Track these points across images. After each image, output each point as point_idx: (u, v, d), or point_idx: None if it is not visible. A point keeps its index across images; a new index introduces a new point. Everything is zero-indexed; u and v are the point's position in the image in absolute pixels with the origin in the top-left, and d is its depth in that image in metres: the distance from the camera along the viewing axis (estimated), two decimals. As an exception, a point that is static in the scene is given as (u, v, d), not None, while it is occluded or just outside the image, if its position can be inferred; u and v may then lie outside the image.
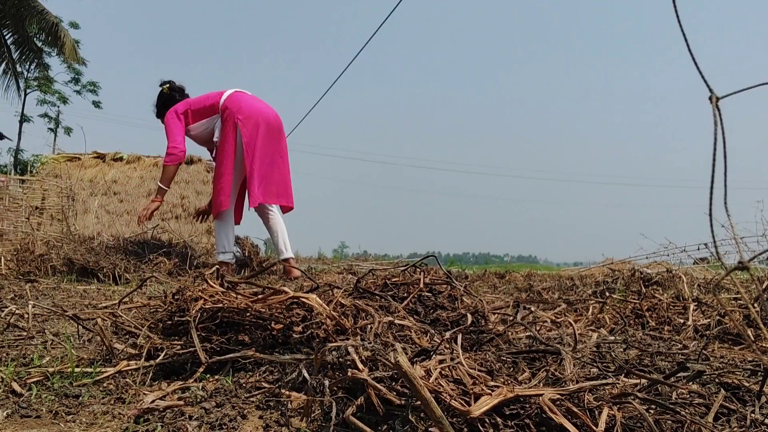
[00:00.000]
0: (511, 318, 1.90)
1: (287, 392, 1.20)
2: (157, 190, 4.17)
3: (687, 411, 1.08)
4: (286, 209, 4.38)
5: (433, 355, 1.22)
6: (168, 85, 4.38)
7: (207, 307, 1.50)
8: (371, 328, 1.42)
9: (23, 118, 23.67)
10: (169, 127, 4.10)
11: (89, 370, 1.41)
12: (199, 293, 1.56)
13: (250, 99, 4.14)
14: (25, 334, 1.79)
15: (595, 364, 1.49)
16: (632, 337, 2.08)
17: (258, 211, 4.42)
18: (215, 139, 4.10)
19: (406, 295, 1.85)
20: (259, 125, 4.01)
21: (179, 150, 4.09)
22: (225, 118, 4.03)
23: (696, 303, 2.57)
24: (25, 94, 23.42)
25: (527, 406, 1.00)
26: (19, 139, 23.56)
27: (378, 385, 1.03)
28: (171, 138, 4.07)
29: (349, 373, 1.08)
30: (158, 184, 4.17)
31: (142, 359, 1.44)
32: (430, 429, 0.97)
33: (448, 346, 1.33)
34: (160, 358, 1.43)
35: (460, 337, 1.40)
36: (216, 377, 1.37)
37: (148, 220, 4.26)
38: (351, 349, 1.17)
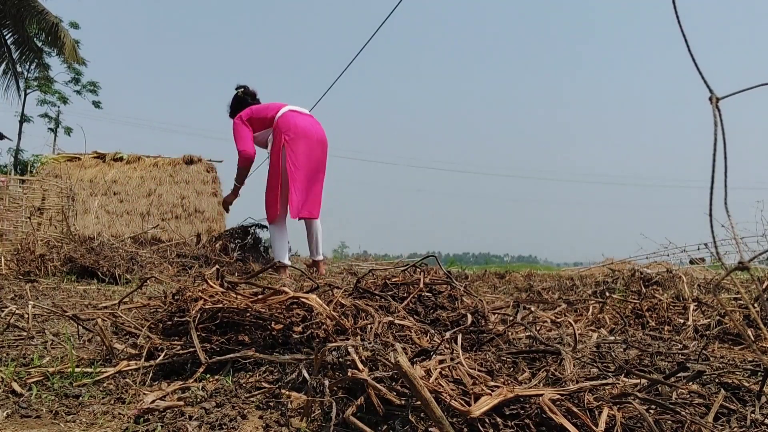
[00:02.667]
0: (511, 318, 1.90)
1: (287, 392, 1.20)
2: (233, 187, 4.75)
3: (687, 411, 1.08)
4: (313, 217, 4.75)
5: (433, 355, 1.22)
6: (242, 90, 4.78)
7: (207, 307, 1.50)
8: (371, 328, 1.42)
9: (23, 118, 23.66)
10: (237, 132, 4.52)
11: (89, 370, 1.41)
12: (199, 293, 1.56)
13: (299, 118, 4.49)
14: (25, 334, 1.79)
15: (595, 364, 1.49)
16: (632, 337, 2.08)
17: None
18: (267, 150, 4.57)
19: (406, 295, 1.85)
20: (302, 144, 4.41)
21: (245, 152, 4.50)
22: (276, 135, 4.43)
23: (696, 303, 2.57)
24: (25, 94, 23.42)
25: (527, 406, 1.00)
26: (19, 139, 23.56)
27: (378, 385, 1.03)
28: (240, 142, 4.49)
29: (349, 373, 1.08)
30: (234, 183, 4.72)
31: (142, 359, 1.44)
32: (430, 429, 0.97)
33: (448, 346, 1.33)
34: (160, 358, 1.43)
35: (460, 337, 1.40)
36: (216, 377, 1.37)
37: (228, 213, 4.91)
38: (351, 349, 1.17)
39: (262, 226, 5.24)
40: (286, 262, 4.37)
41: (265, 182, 4.45)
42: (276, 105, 4.56)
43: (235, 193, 4.79)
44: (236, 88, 4.81)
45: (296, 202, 4.37)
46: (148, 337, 1.55)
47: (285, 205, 4.44)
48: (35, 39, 17.20)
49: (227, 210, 4.95)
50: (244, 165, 4.59)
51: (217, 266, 1.80)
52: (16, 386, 1.28)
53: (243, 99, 4.75)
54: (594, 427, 0.95)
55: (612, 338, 1.99)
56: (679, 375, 1.31)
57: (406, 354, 1.25)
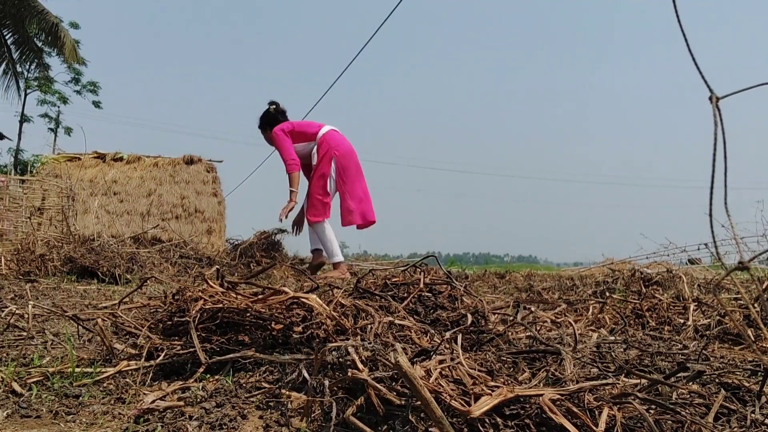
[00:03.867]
0: (511, 318, 1.90)
1: (287, 392, 1.19)
2: (290, 193, 4.96)
3: (687, 411, 1.08)
4: (370, 224, 5.13)
5: (433, 355, 1.22)
6: (274, 107, 5.24)
7: (207, 307, 1.50)
8: (371, 328, 1.42)
9: (23, 118, 23.66)
10: (281, 143, 5.02)
11: (89, 370, 1.41)
12: (199, 293, 1.56)
13: (342, 138, 5.10)
14: (25, 334, 1.79)
15: (595, 364, 1.49)
16: (632, 337, 2.08)
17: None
18: (313, 162, 5.01)
19: (406, 295, 1.85)
20: (350, 159, 5.00)
21: (295, 161, 4.97)
22: (324, 150, 4.95)
23: (696, 303, 2.56)
24: (25, 94, 23.41)
25: (527, 406, 1.00)
26: (19, 139, 23.56)
27: (378, 385, 1.03)
28: (286, 153, 4.99)
29: (349, 373, 1.08)
30: (290, 189, 4.96)
31: (142, 359, 1.44)
32: (430, 429, 0.97)
33: (448, 346, 1.33)
34: (160, 358, 1.43)
35: (460, 337, 1.40)
36: (216, 377, 1.37)
37: (286, 218, 5.09)
38: (351, 350, 1.17)
39: (283, 231, 5.44)
40: (342, 258, 4.85)
41: (309, 188, 4.98)
42: (316, 123, 5.13)
43: (293, 199, 4.97)
44: (269, 104, 5.26)
45: (355, 210, 4.91)
46: (148, 337, 1.54)
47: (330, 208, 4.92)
48: (35, 39, 17.20)
49: (287, 216, 5.10)
50: (294, 171, 4.95)
51: (216, 266, 1.80)
52: (16, 386, 1.28)
53: (274, 115, 5.20)
54: (594, 427, 0.95)
55: (612, 338, 1.99)
56: (679, 375, 1.31)
57: (406, 354, 1.25)
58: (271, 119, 5.19)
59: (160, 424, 1.08)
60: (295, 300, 1.53)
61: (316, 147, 4.99)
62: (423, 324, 1.61)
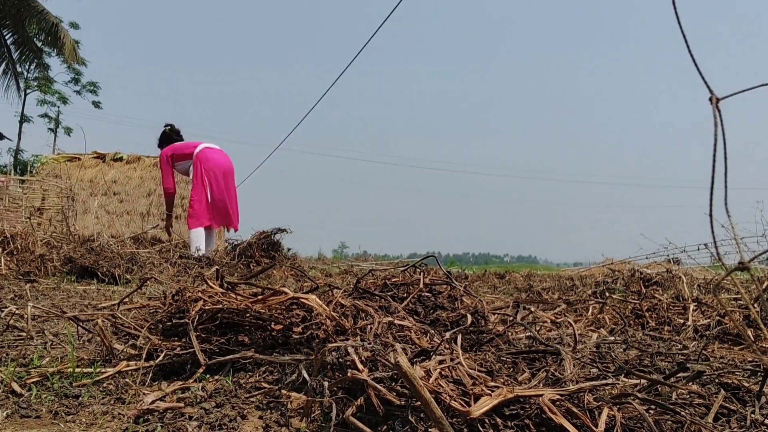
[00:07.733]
0: (511, 318, 1.90)
1: (287, 393, 1.19)
2: (166, 216, 6.02)
3: (687, 411, 1.08)
4: (233, 228, 6.06)
5: (433, 356, 1.22)
6: (169, 128, 6.04)
7: (207, 308, 1.50)
8: (371, 328, 1.42)
9: (23, 118, 23.68)
10: (162, 169, 5.88)
11: (89, 370, 1.41)
12: (199, 294, 1.56)
13: (213, 153, 5.81)
14: (24, 334, 1.79)
15: (595, 364, 1.49)
16: (632, 338, 2.08)
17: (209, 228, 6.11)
18: (190, 176, 5.85)
19: (405, 295, 1.85)
20: (218, 173, 5.74)
21: (169, 188, 5.90)
22: (196, 167, 5.73)
23: (696, 303, 2.56)
24: (25, 95, 23.43)
25: (527, 406, 1.00)
26: (19, 139, 23.58)
27: (378, 386, 1.03)
28: (163, 179, 5.92)
29: (349, 374, 1.08)
30: (166, 212, 6.03)
31: (142, 360, 1.44)
32: (430, 429, 0.96)
33: (447, 346, 1.33)
34: (160, 358, 1.43)
35: (459, 337, 1.40)
36: (216, 378, 1.37)
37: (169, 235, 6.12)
38: (351, 350, 1.17)
39: (282, 230, 5.74)
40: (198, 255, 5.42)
41: (190, 199, 5.69)
42: (193, 143, 5.83)
43: (169, 220, 5.97)
44: (164, 126, 6.03)
45: (212, 216, 5.70)
46: (148, 337, 1.54)
47: (208, 216, 5.65)
48: (35, 39, 17.20)
49: (170, 234, 6.12)
50: (168, 197, 5.90)
51: (216, 267, 1.80)
52: (16, 386, 1.28)
53: (169, 135, 5.96)
54: (594, 428, 0.94)
55: (612, 338, 1.99)
56: (679, 375, 1.31)
57: (406, 354, 1.25)
58: (168, 139, 5.91)
59: (159, 425, 1.08)
60: (295, 300, 1.53)
61: (192, 163, 5.71)
62: (423, 324, 1.61)
